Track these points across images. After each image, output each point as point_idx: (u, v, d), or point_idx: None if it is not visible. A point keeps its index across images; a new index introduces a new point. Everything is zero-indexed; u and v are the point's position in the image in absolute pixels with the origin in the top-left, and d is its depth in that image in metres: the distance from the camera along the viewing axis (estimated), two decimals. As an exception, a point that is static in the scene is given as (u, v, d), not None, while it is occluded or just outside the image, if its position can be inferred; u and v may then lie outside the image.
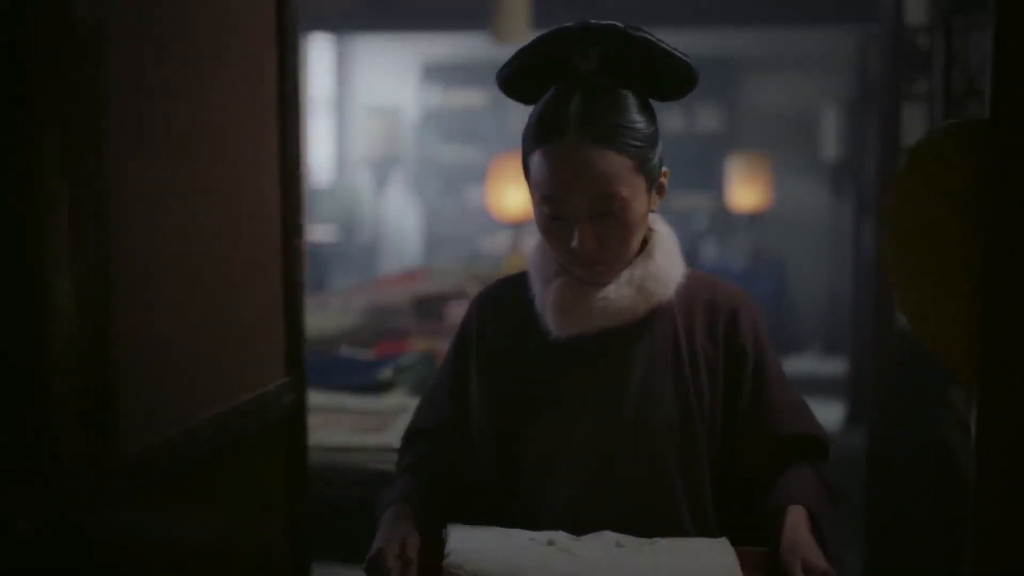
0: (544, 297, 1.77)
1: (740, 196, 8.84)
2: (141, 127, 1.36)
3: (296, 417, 1.84)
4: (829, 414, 7.46)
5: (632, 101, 1.68)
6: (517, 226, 6.49)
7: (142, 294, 1.37)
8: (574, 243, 1.68)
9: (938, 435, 3.36)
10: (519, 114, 1.62)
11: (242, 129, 1.65)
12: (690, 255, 8.69)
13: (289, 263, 1.76)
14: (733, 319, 1.79)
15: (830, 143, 8.95)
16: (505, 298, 1.86)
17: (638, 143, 1.67)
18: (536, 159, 1.70)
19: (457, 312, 5.12)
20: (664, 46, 1.70)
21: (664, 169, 1.76)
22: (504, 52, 1.49)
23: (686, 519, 1.74)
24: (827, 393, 8.11)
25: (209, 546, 1.58)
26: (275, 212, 1.75)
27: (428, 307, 4.89)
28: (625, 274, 1.74)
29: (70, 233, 1.24)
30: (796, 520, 1.69)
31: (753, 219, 9.04)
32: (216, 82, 1.57)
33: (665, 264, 1.76)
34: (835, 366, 9.00)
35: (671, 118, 9.53)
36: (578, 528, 1.70)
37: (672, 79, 1.72)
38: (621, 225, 1.68)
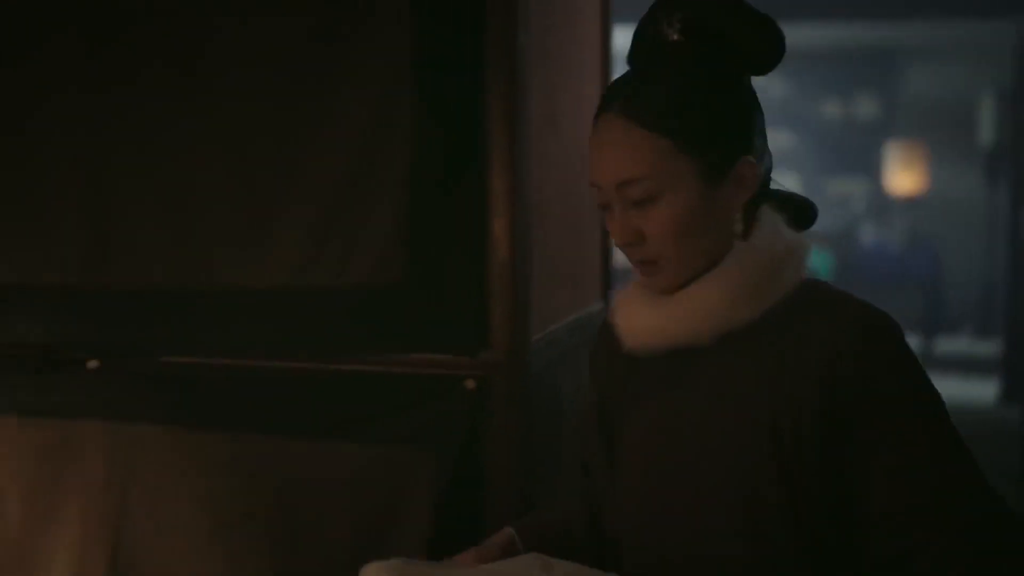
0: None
1: (898, 181, 9.20)
2: (542, 112, 1.99)
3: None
4: (983, 391, 7.83)
5: (704, 74, 1.42)
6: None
7: (540, 230, 1.99)
8: None
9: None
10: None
11: (582, 117, 2.26)
12: (848, 238, 9.15)
13: (605, 229, 2.39)
14: (833, 359, 1.37)
15: (987, 131, 9.21)
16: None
17: (685, 121, 1.39)
18: None
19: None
20: (747, 6, 1.45)
21: (747, 158, 1.42)
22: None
23: (745, 570, 1.41)
24: (981, 372, 8.45)
25: (556, 427, 2.19)
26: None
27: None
28: (688, 288, 1.44)
29: (505, 190, 1.87)
30: None
31: (910, 203, 9.39)
32: (571, 83, 2.19)
33: (744, 282, 1.42)
34: (988, 346, 9.29)
35: (830, 106, 9.92)
36: (645, 566, 1.48)
37: (758, 44, 1.45)
38: (660, 217, 1.40)
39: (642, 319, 1.46)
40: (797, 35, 9.91)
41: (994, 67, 9.23)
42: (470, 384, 1.91)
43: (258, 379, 2.07)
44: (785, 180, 1.54)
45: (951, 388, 7.59)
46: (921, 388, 1.38)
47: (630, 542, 1.51)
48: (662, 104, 1.39)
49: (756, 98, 1.47)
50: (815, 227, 1.53)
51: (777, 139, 11.72)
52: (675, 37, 1.45)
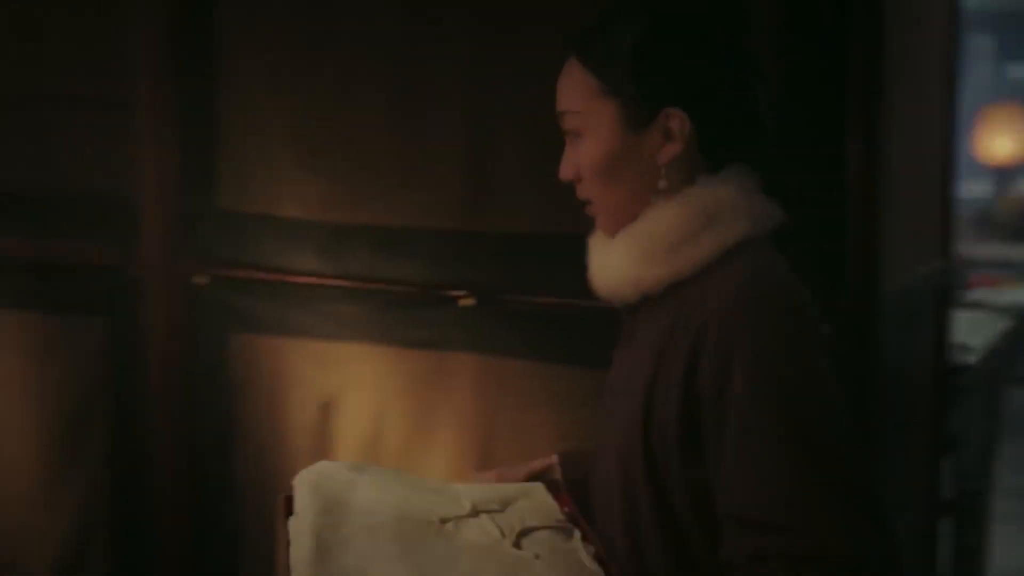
0: None
1: None
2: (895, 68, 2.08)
3: (945, 295, 2.52)
4: None
5: (662, 21, 1.37)
6: (1005, 171, 6.90)
7: (886, 184, 2.08)
8: None
9: None
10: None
11: (926, 103, 2.34)
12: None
13: (946, 182, 2.45)
14: (700, 336, 1.28)
15: None
16: None
17: (614, 63, 1.36)
18: None
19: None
20: None
21: (672, 110, 1.36)
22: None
23: (629, 544, 1.36)
24: None
25: (903, 378, 2.27)
26: (938, 143, 2.44)
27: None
28: (613, 240, 1.42)
29: (859, 149, 1.98)
30: None
31: None
32: (907, 78, 2.26)
33: (653, 239, 1.36)
34: None
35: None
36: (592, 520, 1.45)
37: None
38: (585, 155, 1.40)
39: (593, 266, 1.47)
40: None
41: None
42: (825, 330, 2.01)
43: (611, 319, 2.23)
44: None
45: None
46: (793, 383, 1.25)
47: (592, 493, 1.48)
48: (599, 44, 1.38)
49: (732, 53, 1.38)
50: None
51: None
52: None
